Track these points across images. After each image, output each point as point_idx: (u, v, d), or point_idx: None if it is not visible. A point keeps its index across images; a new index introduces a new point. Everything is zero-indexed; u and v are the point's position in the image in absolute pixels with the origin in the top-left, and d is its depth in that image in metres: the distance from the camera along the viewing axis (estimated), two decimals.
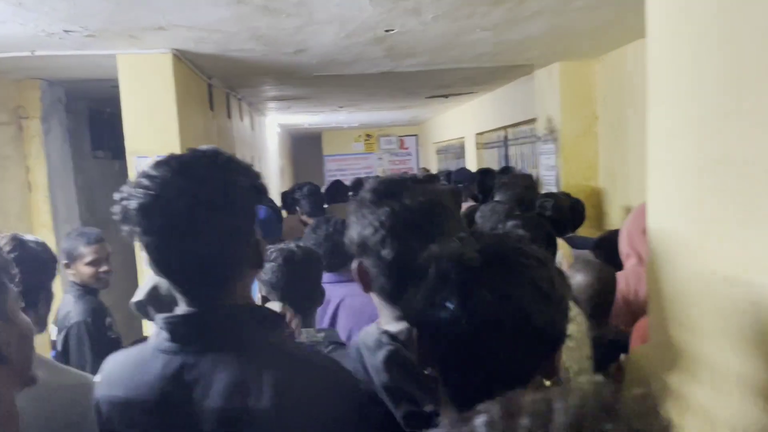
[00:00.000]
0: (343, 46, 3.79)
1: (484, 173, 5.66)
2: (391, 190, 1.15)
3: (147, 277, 1.78)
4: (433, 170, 11.37)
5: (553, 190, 5.11)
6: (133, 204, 1.02)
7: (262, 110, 8.15)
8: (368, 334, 1.17)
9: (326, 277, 2.46)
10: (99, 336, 2.82)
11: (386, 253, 1.10)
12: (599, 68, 4.79)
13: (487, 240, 0.92)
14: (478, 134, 8.91)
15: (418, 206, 1.12)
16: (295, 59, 4.11)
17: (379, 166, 14.26)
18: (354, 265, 1.18)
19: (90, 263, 2.97)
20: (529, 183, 4.63)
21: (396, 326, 1.14)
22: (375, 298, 1.19)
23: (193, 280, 1.07)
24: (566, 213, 3.50)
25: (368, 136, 14.19)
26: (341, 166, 14.34)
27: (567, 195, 3.91)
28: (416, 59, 4.37)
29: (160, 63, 3.62)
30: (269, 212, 4.73)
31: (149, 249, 1.04)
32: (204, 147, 1.15)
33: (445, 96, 7.78)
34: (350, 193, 5.78)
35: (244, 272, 1.12)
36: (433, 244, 0.94)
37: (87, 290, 2.96)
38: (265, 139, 8.95)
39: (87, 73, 4.11)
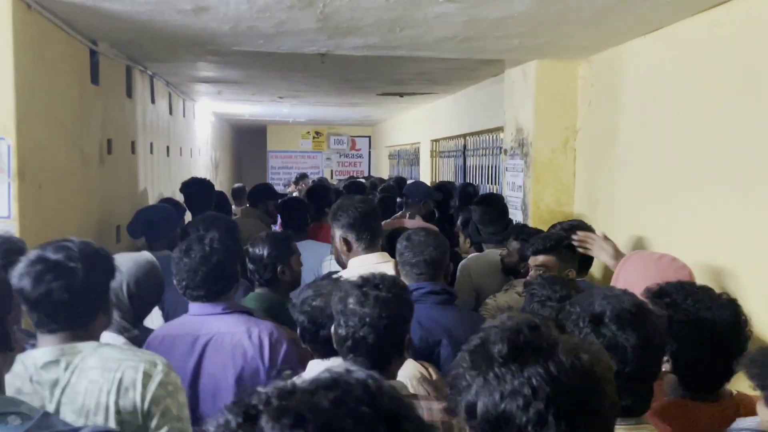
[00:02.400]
0: (258, 7, 2.81)
1: (444, 190, 4.74)
2: (536, 343, 0.89)
3: None
4: (384, 176, 10.45)
5: (518, 214, 4.24)
6: None
7: (188, 94, 7.05)
8: None
9: (197, 308, 2.24)
10: None
11: None
12: (585, 70, 3.93)
13: None
14: (433, 141, 8.02)
15: (582, 368, 0.87)
16: (199, 23, 3.10)
17: (327, 166, 13.27)
18: None
19: None
20: (502, 206, 3.74)
21: None
22: None
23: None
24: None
25: (317, 133, 13.16)
26: (286, 164, 13.28)
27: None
28: (361, 39, 3.41)
29: None
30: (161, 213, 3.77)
31: None
32: None
33: (400, 95, 6.86)
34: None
35: None
36: None
37: None
38: (193, 128, 7.84)
39: None
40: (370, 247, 2.60)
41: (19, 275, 1.55)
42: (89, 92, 3.64)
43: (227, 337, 2.19)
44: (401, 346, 1.69)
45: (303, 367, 1.94)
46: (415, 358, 2.03)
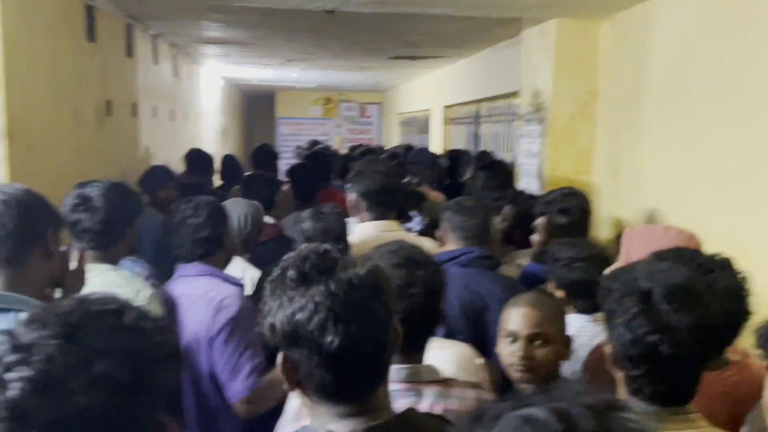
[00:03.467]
0: None
1: (454, 157, 4.56)
2: (321, 267, 1.05)
3: None
4: (395, 144, 10.25)
5: (534, 182, 4.06)
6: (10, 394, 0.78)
7: (194, 56, 6.85)
8: None
9: (190, 268, 2.23)
10: None
11: (329, 341, 1.01)
12: (608, 30, 3.70)
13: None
14: (446, 107, 7.79)
15: (360, 282, 1.04)
16: None
17: (337, 134, 13.05)
18: (279, 359, 1.07)
19: None
20: (507, 173, 3.57)
21: (342, 425, 1.06)
22: (303, 397, 1.09)
23: None
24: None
25: (327, 100, 12.92)
26: (295, 131, 13.06)
27: (575, 192, 2.91)
28: None
29: None
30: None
31: None
32: (101, 296, 0.94)
33: (412, 58, 6.62)
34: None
35: None
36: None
37: None
38: (199, 92, 7.65)
39: None
40: (379, 218, 2.60)
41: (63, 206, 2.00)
42: (84, 50, 3.47)
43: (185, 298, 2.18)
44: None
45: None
46: (463, 324, 2.00)
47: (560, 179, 3.84)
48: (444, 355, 1.72)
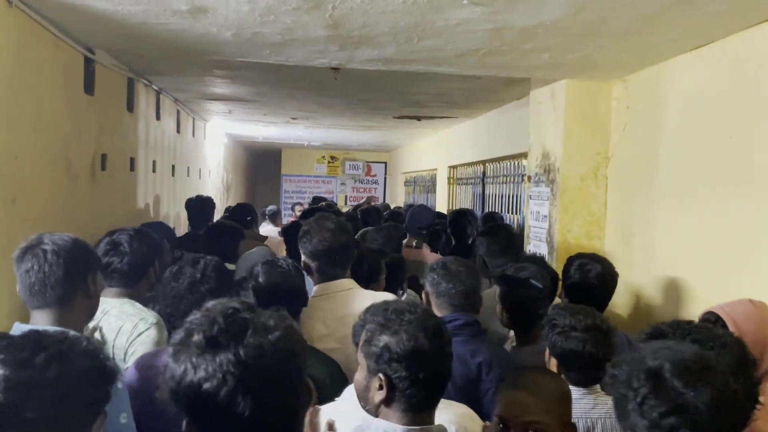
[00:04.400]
0: (261, 9, 2.53)
1: (458, 218, 4.39)
2: (230, 331, 1.00)
3: None
4: (400, 203, 10.14)
5: (543, 246, 3.88)
6: None
7: (199, 113, 6.83)
8: None
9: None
10: None
11: (239, 411, 0.97)
12: (620, 91, 3.60)
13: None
14: (451, 167, 7.71)
15: (272, 348, 0.99)
16: (198, 28, 2.83)
17: (342, 191, 12.99)
18: (183, 427, 1.02)
19: None
20: (510, 237, 3.38)
21: None
22: None
23: None
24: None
25: (332, 158, 12.92)
26: (300, 188, 13.02)
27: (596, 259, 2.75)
28: (375, 49, 3.12)
29: None
30: None
31: None
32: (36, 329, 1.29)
33: (418, 118, 6.57)
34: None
35: None
36: None
37: None
38: (203, 148, 7.60)
39: None
40: (331, 279, 2.36)
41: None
42: (81, 102, 3.38)
43: None
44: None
45: None
46: (452, 395, 1.87)
47: (572, 244, 3.67)
48: (446, 415, 1.59)
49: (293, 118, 7.06)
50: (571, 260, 2.73)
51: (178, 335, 1.02)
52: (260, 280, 2.13)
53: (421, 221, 4.71)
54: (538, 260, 2.92)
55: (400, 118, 6.61)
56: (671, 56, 3.06)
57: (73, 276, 1.78)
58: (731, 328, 1.86)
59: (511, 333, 2.58)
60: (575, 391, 1.93)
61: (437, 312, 2.22)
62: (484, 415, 1.88)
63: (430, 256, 4.15)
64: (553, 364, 1.99)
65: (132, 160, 4.40)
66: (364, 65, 3.50)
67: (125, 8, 2.59)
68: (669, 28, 2.63)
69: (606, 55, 3.07)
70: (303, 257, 2.38)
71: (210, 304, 1.06)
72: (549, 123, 3.89)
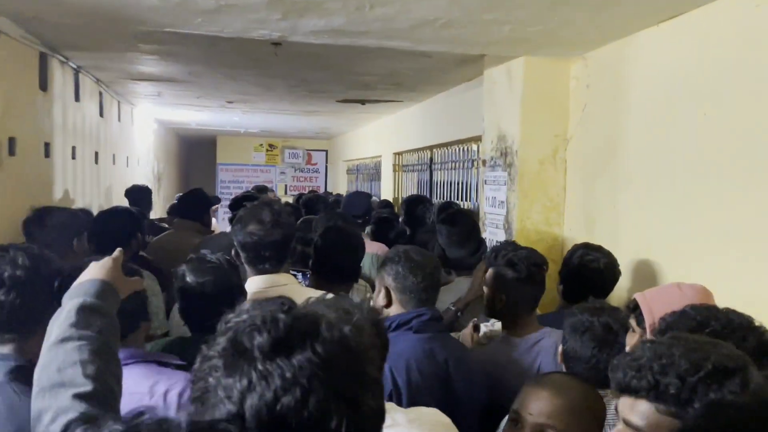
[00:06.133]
0: None
1: (411, 205, 4.14)
2: (300, 328, 0.78)
3: None
4: (342, 192, 9.84)
5: (500, 233, 3.69)
6: None
7: (125, 96, 6.30)
8: None
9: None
10: None
11: (334, 427, 0.74)
12: (579, 69, 3.43)
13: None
14: (396, 153, 7.47)
15: (353, 342, 0.80)
16: None
17: (281, 181, 12.55)
18: None
19: None
20: (473, 224, 3.18)
21: None
22: None
23: None
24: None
25: (271, 146, 12.45)
26: (237, 177, 12.50)
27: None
28: (322, 18, 2.81)
29: None
30: None
31: None
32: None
33: (362, 102, 6.28)
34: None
35: None
36: None
37: None
38: (131, 135, 7.07)
39: None
40: (260, 274, 2.17)
41: None
42: None
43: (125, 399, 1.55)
44: None
45: None
46: (427, 398, 1.79)
47: (530, 231, 3.49)
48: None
49: (229, 102, 6.63)
50: (573, 250, 2.62)
51: (217, 344, 0.79)
52: (188, 279, 1.83)
53: (356, 208, 4.44)
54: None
55: (344, 102, 6.30)
56: (636, 30, 2.90)
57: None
58: (646, 316, 1.72)
59: (495, 325, 2.40)
60: None
61: (399, 307, 2.03)
62: (458, 424, 1.71)
63: (372, 246, 3.84)
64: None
65: (47, 145, 3.93)
66: (309, 38, 3.19)
67: None
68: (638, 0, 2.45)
69: (570, 29, 2.88)
70: (234, 246, 2.17)
71: (248, 304, 0.85)
72: (505, 104, 3.69)
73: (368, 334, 0.87)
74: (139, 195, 5.16)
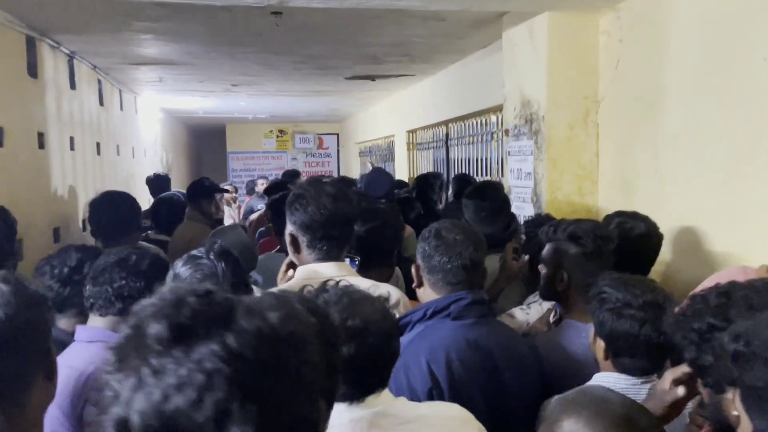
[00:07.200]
0: None
1: (424, 183, 3.87)
2: (209, 314, 0.65)
3: None
4: (355, 175, 9.57)
5: (528, 207, 3.41)
6: None
7: (125, 83, 6.07)
8: None
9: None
10: None
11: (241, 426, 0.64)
12: (610, 23, 3.12)
13: None
14: (409, 132, 7.19)
15: (276, 333, 0.67)
16: None
17: (293, 167, 12.27)
18: None
19: None
20: (503, 198, 2.91)
21: None
22: None
23: None
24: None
25: (281, 132, 12.22)
26: (248, 165, 12.30)
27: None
28: None
29: None
30: None
31: None
32: None
33: (372, 78, 5.99)
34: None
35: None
36: None
37: None
38: (136, 124, 6.85)
39: None
40: (325, 259, 1.90)
41: None
42: None
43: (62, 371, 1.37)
44: None
45: None
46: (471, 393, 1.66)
47: (562, 203, 3.21)
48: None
49: (234, 85, 6.38)
50: (608, 218, 2.32)
51: (123, 334, 0.67)
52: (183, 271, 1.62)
53: (379, 188, 4.13)
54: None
55: (353, 79, 6.01)
56: None
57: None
58: None
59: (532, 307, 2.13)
60: (625, 380, 1.56)
61: (434, 292, 1.80)
62: (506, 420, 1.61)
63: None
64: (599, 348, 1.60)
65: (41, 136, 3.70)
66: (311, 2, 2.91)
67: None
68: None
69: None
70: (289, 229, 1.91)
71: (168, 287, 0.73)
72: (528, 66, 3.38)
73: (303, 323, 0.71)
74: (160, 183, 5.61)
